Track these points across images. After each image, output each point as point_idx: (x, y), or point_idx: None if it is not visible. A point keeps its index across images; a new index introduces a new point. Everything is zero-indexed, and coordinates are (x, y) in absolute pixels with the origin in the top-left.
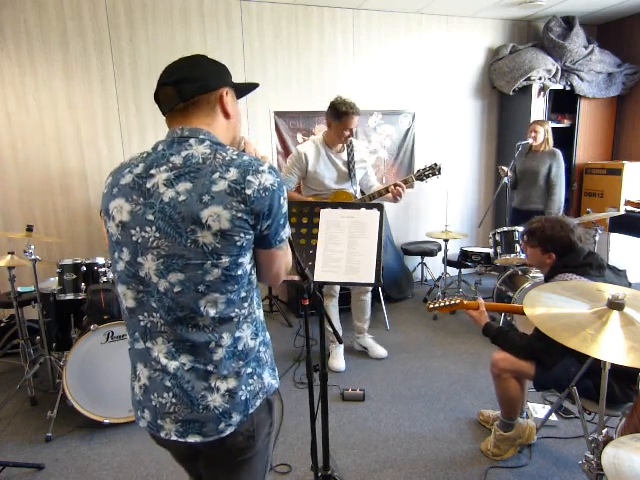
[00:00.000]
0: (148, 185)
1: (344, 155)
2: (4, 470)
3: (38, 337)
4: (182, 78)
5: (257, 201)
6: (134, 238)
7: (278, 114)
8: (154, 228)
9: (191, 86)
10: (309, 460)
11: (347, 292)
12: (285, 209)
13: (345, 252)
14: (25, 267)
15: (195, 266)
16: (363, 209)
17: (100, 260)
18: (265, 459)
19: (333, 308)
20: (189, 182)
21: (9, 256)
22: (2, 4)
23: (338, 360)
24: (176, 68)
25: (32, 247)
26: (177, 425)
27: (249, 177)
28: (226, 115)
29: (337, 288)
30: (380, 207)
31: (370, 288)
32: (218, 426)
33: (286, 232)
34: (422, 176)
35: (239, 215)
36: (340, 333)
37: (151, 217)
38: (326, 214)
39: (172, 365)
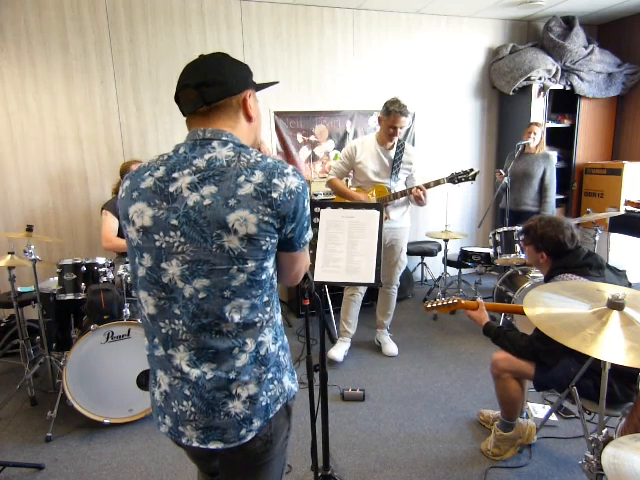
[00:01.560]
0: (171, 189)
1: (392, 153)
2: (4, 470)
3: (38, 337)
4: (205, 81)
5: (283, 204)
6: (157, 243)
7: (278, 114)
8: (179, 233)
9: (215, 90)
10: (309, 460)
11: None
12: (308, 212)
13: (345, 252)
14: (25, 267)
15: (221, 272)
16: (363, 209)
17: (100, 260)
18: (282, 462)
19: (353, 303)
20: (214, 185)
21: (9, 256)
22: (2, 4)
23: (338, 350)
24: (199, 69)
25: (32, 247)
26: (198, 432)
27: (275, 180)
28: (249, 119)
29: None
30: (379, 207)
31: (398, 281)
32: (239, 432)
33: (309, 234)
34: (455, 179)
35: (265, 219)
36: (352, 330)
37: (175, 222)
38: (326, 214)
39: (194, 373)
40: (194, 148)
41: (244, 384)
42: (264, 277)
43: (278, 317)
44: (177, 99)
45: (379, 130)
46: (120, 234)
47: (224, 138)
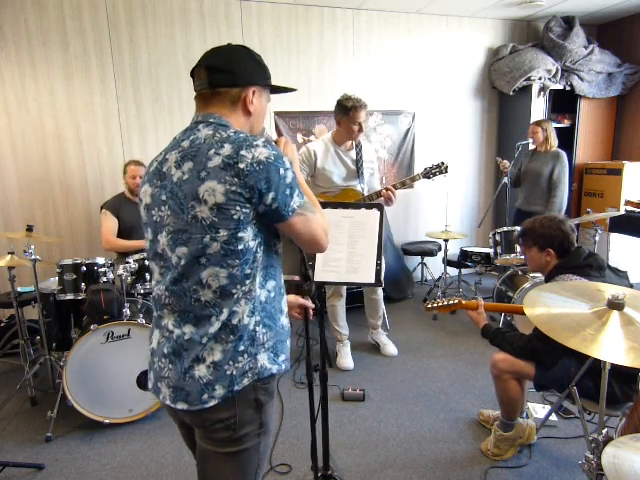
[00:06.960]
0: (164, 169)
1: (353, 154)
2: (4, 470)
3: (38, 337)
4: (216, 66)
5: (251, 174)
6: (154, 218)
7: (278, 114)
8: (166, 207)
9: (220, 77)
10: (309, 460)
11: (358, 290)
12: (289, 180)
13: (345, 252)
14: (25, 267)
15: (196, 240)
16: (363, 209)
17: (100, 260)
18: (255, 462)
19: (340, 308)
20: (191, 161)
21: (9, 256)
22: (2, 4)
23: (346, 359)
24: (217, 54)
25: (32, 247)
26: (169, 390)
27: (242, 152)
28: (246, 113)
29: (344, 288)
30: (380, 207)
31: (380, 287)
32: (202, 396)
33: (296, 201)
34: (429, 174)
35: (233, 189)
36: (346, 332)
37: (164, 197)
38: (326, 214)
39: (176, 332)
40: (185, 132)
41: (210, 349)
42: (241, 247)
43: (262, 293)
44: (192, 74)
45: (336, 131)
46: (120, 234)
47: (211, 120)
